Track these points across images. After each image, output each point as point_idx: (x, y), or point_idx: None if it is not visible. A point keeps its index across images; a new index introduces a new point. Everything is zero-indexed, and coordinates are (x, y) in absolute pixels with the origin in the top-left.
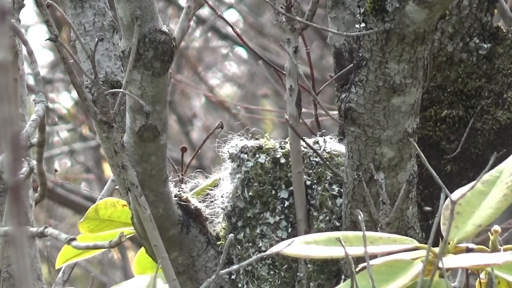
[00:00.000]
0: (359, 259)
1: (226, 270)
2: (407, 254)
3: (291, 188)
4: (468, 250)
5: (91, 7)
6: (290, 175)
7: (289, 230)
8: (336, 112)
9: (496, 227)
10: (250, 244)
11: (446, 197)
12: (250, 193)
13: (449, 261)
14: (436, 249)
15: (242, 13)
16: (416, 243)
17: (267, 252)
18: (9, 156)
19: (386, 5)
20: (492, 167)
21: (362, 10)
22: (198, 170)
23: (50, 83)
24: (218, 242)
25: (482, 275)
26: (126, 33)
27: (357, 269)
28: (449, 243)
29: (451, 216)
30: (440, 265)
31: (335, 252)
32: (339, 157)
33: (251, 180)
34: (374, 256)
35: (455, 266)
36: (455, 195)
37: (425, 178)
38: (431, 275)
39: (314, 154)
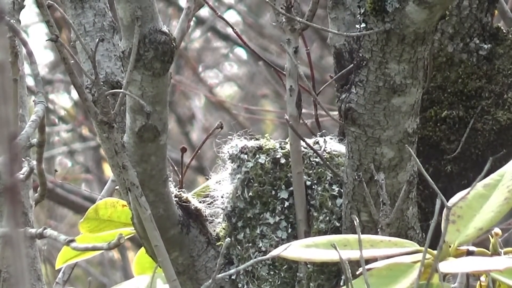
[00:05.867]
0: (360, 262)
1: (223, 274)
2: (408, 257)
3: (291, 188)
4: (469, 253)
5: (91, 7)
6: (290, 176)
7: (289, 230)
8: (336, 113)
9: (497, 230)
10: (250, 244)
11: (442, 202)
12: (250, 194)
13: (450, 265)
14: (436, 252)
15: (242, 14)
16: (416, 246)
17: (267, 256)
18: (6, 156)
19: (386, 5)
20: (492, 168)
21: (362, 11)
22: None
23: (50, 84)
24: (218, 243)
25: (482, 278)
26: (126, 33)
27: (357, 273)
28: (450, 246)
29: (447, 222)
30: (438, 271)
31: (336, 255)
32: (339, 158)
33: (251, 180)
34: (375, 259)
35: (455, 271)
36: (454, 198)
37: (425, 178)
38: (428, 279)
39: (314, 154)
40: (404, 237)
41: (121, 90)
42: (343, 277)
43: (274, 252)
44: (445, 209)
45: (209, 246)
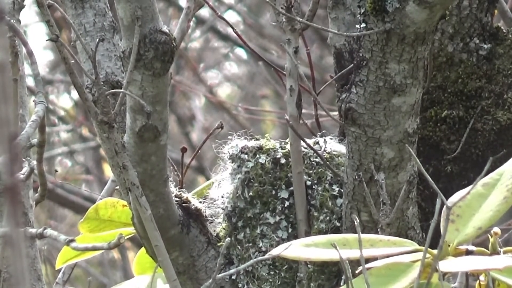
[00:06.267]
0: (360, 261)
1: (223, 274)
2: (407, 257)
3: (292, 188)
4: (468, 252)
5: (92, 7)
6: (290, 176)
7: (290, 230)
8: (336, 113)
9: (496, 229)
10: (250, 244)
11: (442, 202)
12: (251, 193)
13: (449, 264)
14: (435, 251)
15: (242, 14)
16: (415, 246)
17: (267, 256)
18: (6, 156)
19: (387, 5)
20: (492, 168)
21: (362, 11)
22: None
23: (50, 84)
24: (219, 244)
25: (481, 277)
26: (126, 33)
27: (357, 272)
28: (449, 246)
29: (447, 222)
30: (437, 270)
31: (335, 254)
32: (339, 158)
33: (252, 180)
34: (374, 259)
35: (455, 270)
36: (454, 198)
37: (425, 178)
38: (428, 278)
39: (315, 154)
40: (404, 237)
41: (122, 90)
42: (343, 277)
43: (274, 252)
44: (445, 209)
45: (209, 246)
